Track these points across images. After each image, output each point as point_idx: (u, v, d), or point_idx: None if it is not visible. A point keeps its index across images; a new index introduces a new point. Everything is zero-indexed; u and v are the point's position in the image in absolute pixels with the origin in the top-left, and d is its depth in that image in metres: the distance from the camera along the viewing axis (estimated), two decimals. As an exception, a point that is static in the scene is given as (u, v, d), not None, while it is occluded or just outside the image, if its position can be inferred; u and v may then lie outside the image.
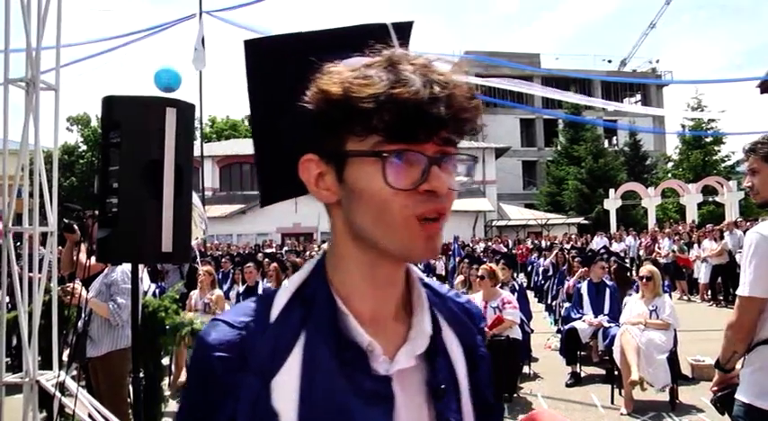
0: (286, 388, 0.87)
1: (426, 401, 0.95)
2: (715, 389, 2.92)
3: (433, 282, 1.09)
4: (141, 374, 4.11)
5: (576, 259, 10.87)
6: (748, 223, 15.86)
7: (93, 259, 4.26)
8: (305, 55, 0.94)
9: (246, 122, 58.75)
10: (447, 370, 0.99)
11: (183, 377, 7.83)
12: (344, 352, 0.90)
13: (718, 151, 36.08)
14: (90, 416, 4.23)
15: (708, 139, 35.96)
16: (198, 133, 28.26)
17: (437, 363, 0.97)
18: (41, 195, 4.32)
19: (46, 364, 4.66)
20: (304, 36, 1.07)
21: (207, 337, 0.92)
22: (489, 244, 24.42)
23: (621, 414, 6.35)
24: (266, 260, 12.06)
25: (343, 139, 0.87)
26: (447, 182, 0.86)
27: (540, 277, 17.18)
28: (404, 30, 1.09)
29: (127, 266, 4.82)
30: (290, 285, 0.97)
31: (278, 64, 1.03)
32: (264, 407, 0.87)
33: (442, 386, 0.95)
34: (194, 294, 8.18)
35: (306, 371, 0.88)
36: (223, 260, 14.54)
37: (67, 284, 4.78)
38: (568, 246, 19.37)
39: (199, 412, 0.92)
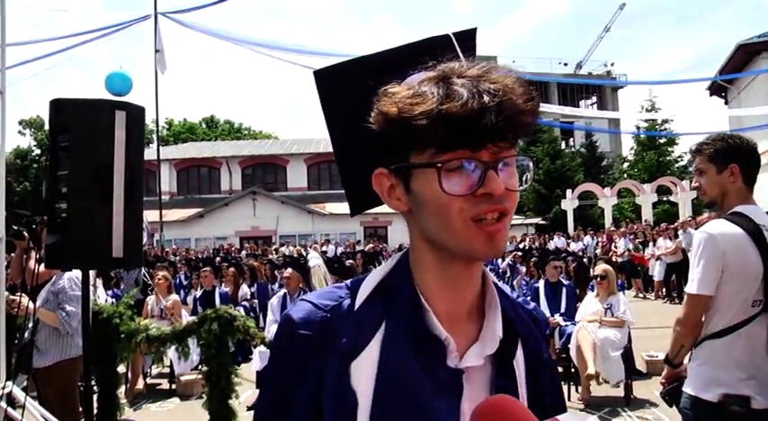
0: (365, 371, 0.94)
1: None
2: (664, 382, 2.99)
3: (505, 286, 1.15)
4: (93, 383, 4.02)
5: (533, 260, 10.99)
6: (699, 219, 16.28)
7: (42, 266, 4.17)
8: (370, 78, 1.01)
9: (204, 125, 58.16)
10: (509, 373, 1.04)
11: (139, 384, 7.71)
12: (422, 343, 0.96)
13: (672, 152, 36.98)
14: (41, 426, 4.13)
15: (661, 141, 36.79)
16: (154, 136, 27.85)
17: (505, 366, 1.03)
18: (-12, 201, 4.20)
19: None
20: (369, 59, 1.14)
21: (294, 315, 1.00)
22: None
23: (578, 410, 6.45)
24: (224, 264, 11.94)
25: (406, 154, 0.94)
26: (504, 183, 0.91)
27: (499, 278, 17.33)
28: (468, 37, 1.14)
29: (75, 273, 4.72)
30: (374, 277, 1.04)
31: (345, 89, 1.11)
32: (344, 387, 0.94)
33: (506, 388, 1.00)
34: (150, 300, 8.06)
35: (384, 358, 0.95)
36: (179, 265, 14.35)
37: (11, 297, 4.64)
38: (524, 246, 19.59)
39: (283, 386, 0.99)
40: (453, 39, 1.11)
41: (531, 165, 0.99)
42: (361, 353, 0.95)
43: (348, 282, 1.06)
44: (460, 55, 1.03)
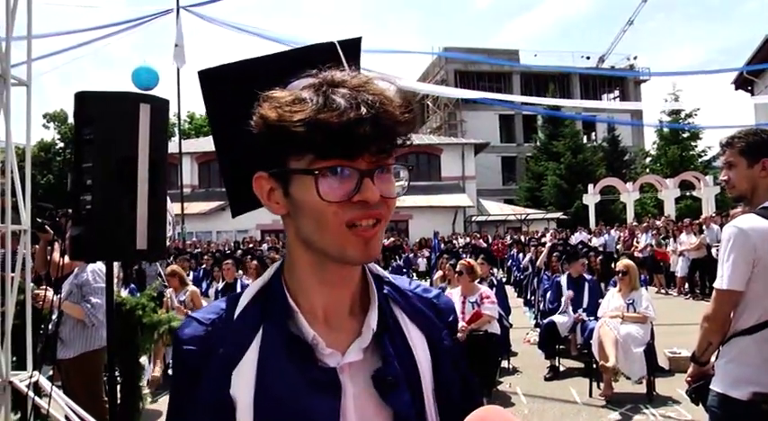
0: (244, 377, 0.97)
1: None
2: (690, 380, 2.95)
3: (399, 278, 1.19)
4: (117, 373, 4.06)
5: (555, 254, 10.91)
6: (733, 213, 16.06)
7: (66, 258, 4.21)
8: (254, 81, 1.03)
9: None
10: (403, 363, 1.04)
11: (156, 372, 7.77)
12: (294, 345, 0.99)
13: (695, 146, 36.46)
14: (66, 416, 4.18)
15: (685, 135, 36.33)
16: (176, 130, 28.03)
17: (386, 358, 1.03)
18: (14, 193, 4.24)
19: (20, 365, 4.60)
20: (253, 62, 1.16)
21: (180, 333, 1.05)
22: (469, 239, 24.43)
23: (600, 406, 6.41)
24: (247, 257, 12.00)
25: (284, 159, 0.96)
26: (381, 191, 0.94)
27: (520, 273, 17.28)
28: (353, 47, 1.17)
29: (97, 266, 4.76)
30: (254, 285, 1.08)
31: (229, 91, 1.13)
32: (225, 395, 0.97)
33: (388, 378, 1.01)
34: (169, 292, 8.10)
35: (261, 363, 0.98)
36: (205, 257, 14.45)
37: (36, 292, 4.70)
38: (545, 242, 19.47)
39: (178, 399, 1.05)
40: (338, 47, 1.13)
41: (406, 173, 1.01)
42: (240, 360, 0.98)
43: (237, 292, 1.10)
44: (344, 63, 1.05)
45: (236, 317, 1.03)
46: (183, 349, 1.02)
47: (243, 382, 0.97)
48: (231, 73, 1.15)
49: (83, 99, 3.36)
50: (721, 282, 2.71)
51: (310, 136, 0.90)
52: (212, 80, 1.15)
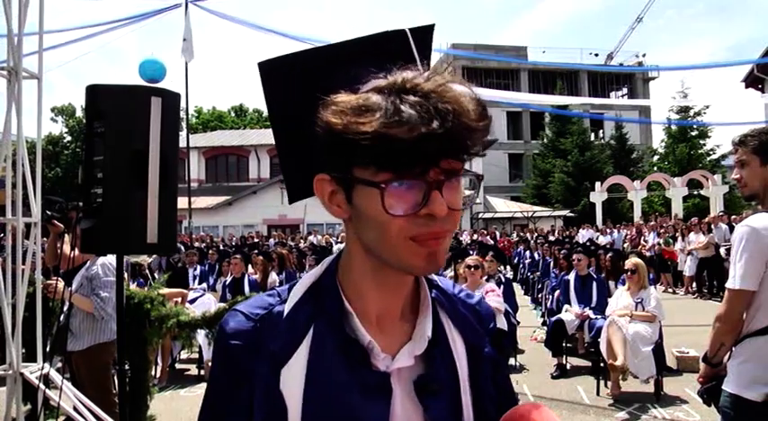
0: (294, 376, 0.96)
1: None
2: (702, 380, 2.93)
3: (444, 281, 1.15)
4: (127, 366, 4.07)
5: (562, 252, 10.90)
6: (735, 217, 16.01)
7: (77, 251, 4.21)
8: (318, 72, 0.99)
9: (233, 114, 58.48)
10: (446, 370, 1.04)
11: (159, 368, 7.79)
12: (347, 347, 0.98)
13: (704, 145, 36.30)
14: (75, 408, 4.19)
15: (693, 133, 36.18)
16: (184, 124, 28.07)
17: (434, 364, 1.02)
18: (24, 186, 4.25)
19: (30, 357, 4.61)
20: (317, 52, 1.10)
21: (225, 326, 1.02)
22: (476, 236, 24.39)
23: (607, 405, 6.40)
24: (254, 252, 12.00)
25: (349, 166, 0.91)
26: (448, 203, 0.89)
27: (527, 270, 17.27)
28: (424, 34, 1.09)
29: (107, 259, 4.77)
30: (304, 282, 1.05)
31: (292, 83, 1.07)
32: (274, 393, 0.95)
33: (432, 385, 1.00)
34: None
35: (312, 362, 0.96)
36: (210, 252, 14.46)
37: (48, 282, 4.71)
38: (553, 239, 19.43)
39: (220, 395, 1.02)
40: (410, 36, 1.05)
41: (477, 181, 0.98)
42: (291, 358, 0.96)
43: (282, 288, 1.07)
44: (416, 55, 1.01)
45: (286, 314, 1.00)
46: (229, 344, 1.00)
47: (292, 381, 0.95)
48: (293, 64, 1.10)
49: (94, 92, 3.36)
50: (734, 281, 2.69)
51: (376, 150, 0.85)
52: (273, 72, 1.11)
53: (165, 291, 7.65)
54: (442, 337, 1.06)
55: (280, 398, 0.95)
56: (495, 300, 7.01)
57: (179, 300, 7.83)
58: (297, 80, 1.06)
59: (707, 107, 34.98)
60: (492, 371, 1.12)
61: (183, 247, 14.27)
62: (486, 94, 20.76)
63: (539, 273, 14.39)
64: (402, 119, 0.85)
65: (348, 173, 0.92)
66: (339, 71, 0.96)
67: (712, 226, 15.53)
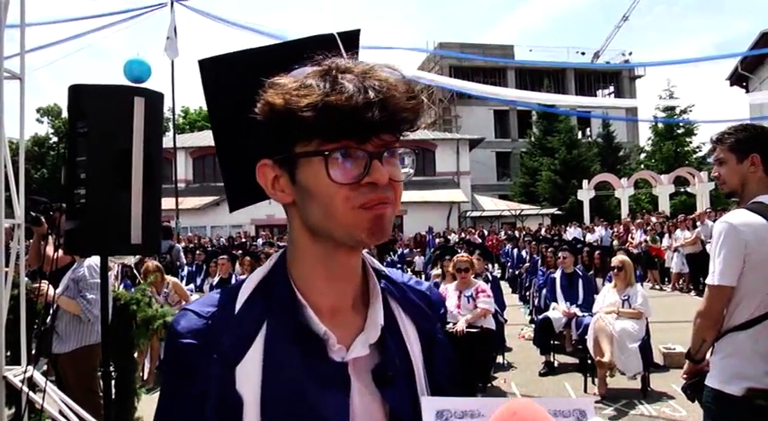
0: (249, 374, 0.95)
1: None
2: (686, 376, 2.95)
3: (393, 271, 1.18)
4: (112, 368, 4.04)
5: (549, 250, 10.96)
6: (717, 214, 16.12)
7: (60, 252, 4.18)
8: (256, 70, 1.02)
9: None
10: (400, 357, 1.05)
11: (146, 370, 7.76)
12: (303, 340, 0.98)
13: (690, 142, 36.60)
14: (60, 411, 4.16)
15: (679, 131, 36.43)
16: (170, 124, 28.02)
17: (386, 352, 1.03)
18: (8, 187, 4.21)
19: (14, 360, 4.57)
20: (254, 52, 1.16)
21: (176, 325, 1.00)
22: (464, 235, 24.44)
23: (595, 402, 6.42)
24: (240, 252, 11.99)
25: (291, 144, 0.95)
26: (389, 173, 0.94)
27: (515, 268, 17.32)
28: (351, 38, 1.17)
29: (94, 260, 4.74)
30: (253, 278, 1.04)
31: (231, 80, 1.12)
32: (229, 392, 0.94)
33: (389, 373, 1.01)
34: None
35: (267, 358, 0.96)
36: (197, 252, 14.41)
37: (35, 285, 4.67)
38: (540, 236, 19.49)
39: (171, 394, 1.00)
40: (338, 38, 1.13)
41: (412, 158, 1.01)
42: (245, 355, 0.96)
43: (232, 285, 1.06)
44: (344, 53, 1.05)
45: (237, 310, 0.99)
46: (181, 342, 0.98)
47: (248, 378, 0.94)
48: (232, 62, 1.15)
49: (77, 92, 3.34)
50: (713, 277, 2.71)
51: (319, 120, 0.89)
52: (212, 69, 1.15)
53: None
54: (394, 326, 1.07)
55: (236, 397, 0.94)
56: (484, 301, 7.03)
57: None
58: (235, 77, 1.10)
59: (692, 105, 35.26)
60: (444, 355, 1.14)
61: (179, 247, 14.23)
62: (475, 89, 20.78)
63: (526, 272, 14.45)
64: (340, 90, 0.90)
65: (290, 151, 0.96)
66: (276, 69, 1.00)
67: (698, 222, 15.64)
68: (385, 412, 1.00)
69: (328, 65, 0.96)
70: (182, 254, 13.54)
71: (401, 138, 0.98)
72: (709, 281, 2.75)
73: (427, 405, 0.92)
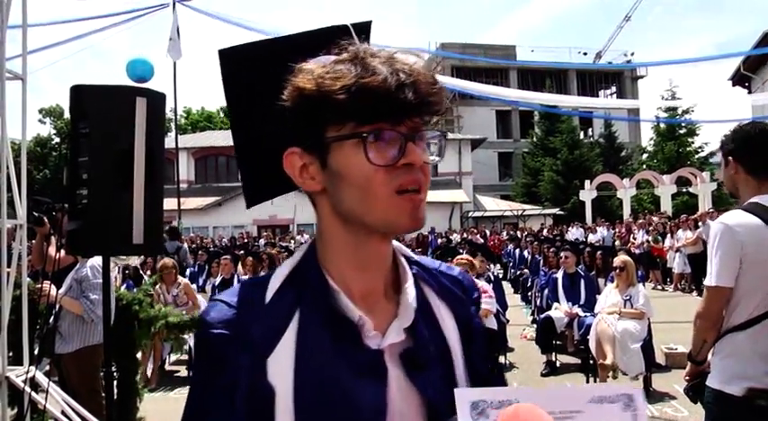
0: (281, 364, 0.93)
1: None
2: (688, 378, 2.95)
3: (423, 258, 1.17)
4: (114, 368, 4.05)
5: (551, 250, 10.95)
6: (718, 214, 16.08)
7: (62, 252, 4.19)
8: (275, 59, 1.02)
9: (222, 114, 58.30)
10: (436, 343, 1.03)
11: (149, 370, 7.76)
12: (337, 327, 0.96)
13: (692, 142, 36.50)
14: (63, 412, 4.17)
15: (681, 131, 36.35)
16: (173, 125, 28.01)
17: (419, 337, 1.01)
18: (10, 188, 4.22)
19: (17, 360, 4.58)
20: (273, 42, 1.18)
21: (206, 316, 0.99)
22: (466, 235, 24.43)
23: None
24: (242, 252, 11.99)
25: (322, 129, 0.94)
26: (422, 155, 0.94)
27: (517, 268, 17.31)
28: (364, 29, 1.18)
29: (96, 261, 4.74)
30: (283, 269, 1.03)
31: (251, 70, 1.11)
32: (260, 383, 0.93)
33: (420, 358, 0.99)
34: (159, 288, 8.08)
35: (300, 348, 0.94)
36: (199, 252, 14.43)
37: (38, 285, 4.68)
38: (542, 236, 19.48)
39: (204, 386, 0.98)
40: (351, 29, 1.13)
41: (441, 142, 1.02)
42: (277, 345, 0.94)
43: (263, 276, 1.05)
44: (357, 43, 1.04)
45: (268, 300, 0.98)
46: (211, 333, 0.96)
47: (281, 369, 0.93)
48: (251, 52, 1.15)
49: (79, 92, 3.34)
50: (710, 278, 2.72)
51: (353, 102, 0.89)
52: (232, 60, 1.15)
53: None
54: (428, 311, 1.06)
55: (268, 389, 0.92)
56: (486, 301, 7.02)
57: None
58: (255, 68, 1.10)
59: (695, 105, 35.19)
60: (484, 341, 1.13)
61: (186, 248, 14.29)
62: (477, 89, 20.77)
63: (527, 272, 14.45)
64: (375, 71, 0.90)
65: (322, 137, 0.94)
66: (295, 59, 0.99)
67: (700, 223, 15.61)
68: (423, 399, 0.98)
69: (355, 51, 0.96)
70: (188, 255, 13.58)
71: (431, 119, 0.98)
72: (706, 282, 2.75)
73: (460, 397, 0.89)
